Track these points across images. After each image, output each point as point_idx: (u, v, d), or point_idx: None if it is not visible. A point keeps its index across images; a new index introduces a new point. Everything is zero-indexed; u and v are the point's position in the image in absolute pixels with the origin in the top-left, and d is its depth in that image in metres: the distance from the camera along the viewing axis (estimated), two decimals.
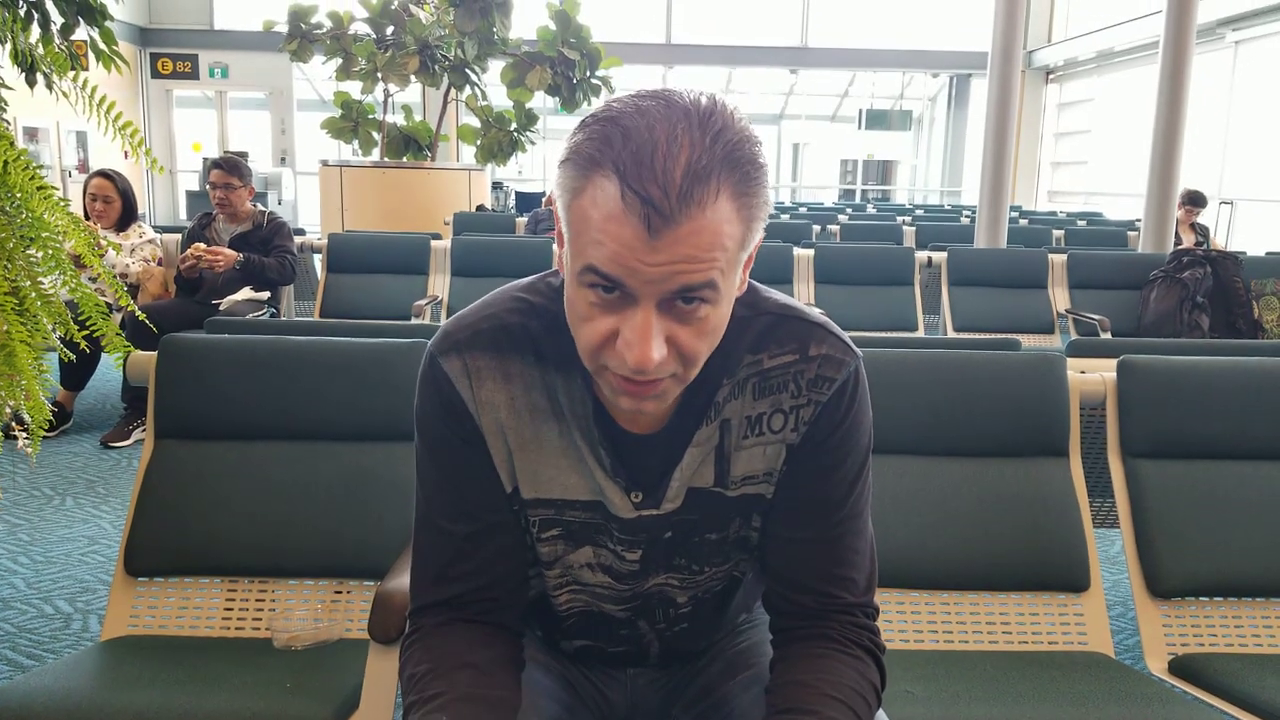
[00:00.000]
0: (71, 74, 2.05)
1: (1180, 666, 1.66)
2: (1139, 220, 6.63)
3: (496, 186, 10.74)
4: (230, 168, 4.36)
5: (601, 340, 0.83)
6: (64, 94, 2.13)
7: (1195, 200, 7.29)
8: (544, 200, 7.76)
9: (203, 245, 4.22)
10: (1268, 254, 5.46)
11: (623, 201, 0.77)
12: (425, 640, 0.98)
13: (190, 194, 13.34)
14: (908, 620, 1.73)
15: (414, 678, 0.96)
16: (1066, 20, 14.16)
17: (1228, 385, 1.85)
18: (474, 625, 0.99)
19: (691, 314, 0.82)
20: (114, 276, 1.90)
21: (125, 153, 1.95)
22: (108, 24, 2.99)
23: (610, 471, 0.97)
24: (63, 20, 2.91)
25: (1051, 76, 14.84)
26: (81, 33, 3.08)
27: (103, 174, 4.37)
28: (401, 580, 1.39)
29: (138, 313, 2.03)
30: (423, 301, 4.58)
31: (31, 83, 2.94)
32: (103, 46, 2.97)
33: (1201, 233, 7.56)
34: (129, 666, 1.53)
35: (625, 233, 0.77)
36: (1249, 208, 10.02)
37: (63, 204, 1.84)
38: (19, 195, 1.63)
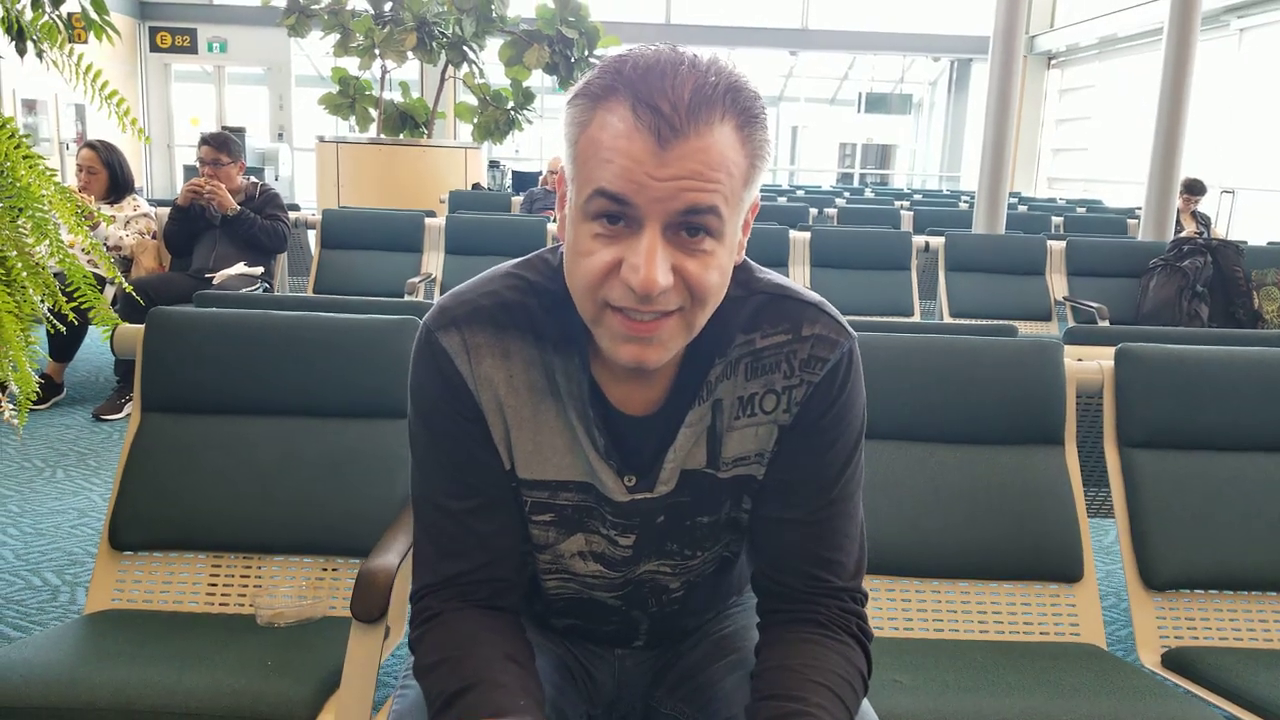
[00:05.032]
0: (60, 44, 2.02)
1: (1173, 660, 1.65)
2: (1139, 208, 6.61)
3: (493, 165, 10.68)
4: (219, 144, 4.31)
5: (604, 271, 0.82)
6: (54, 64, 2.09)
7: (1193, 189, 7.26)
8: (540, 180, 7.72)
9: (205, 179, 4.19)
10: (1269, 244, 5.44)
11: (634, 116, 0.79)
12: (445, 625, 0.95)
13: (188, 168, 13.26)
14: (898, 608, 1.71)
15: (443, 663, 0.92)
16: (1070, 5, 14.07)
17: (1226, 376, 1.83)
18: (486, 612, 0.97)
19: (696, 245, 0.82)
20: (104, 249, 1.87)
21: (124, 128, 1.92)
22: None
23: (603, 453, 0.95)
24: None
25: (1053, 62, 14.76)
26: (74, 3, 3.04)
27: (89, 144, 4.34)
28: (385, 558, 1.37)
29: (126, 286, 2.00)
30: (416, 279, 4.56)
31: (21, 51, 2.90)
32: (94, 16, 2.93)
33: (1203, 221, 7.54)
34: (110, 641, 1.52)
35: (635, 147, 0.79)
36: (1250, 197, 9.99)
37: (50, 174, 1.81)
38: (5, 163, 1.60)
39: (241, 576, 1.73)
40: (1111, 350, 1.85)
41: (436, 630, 0.95)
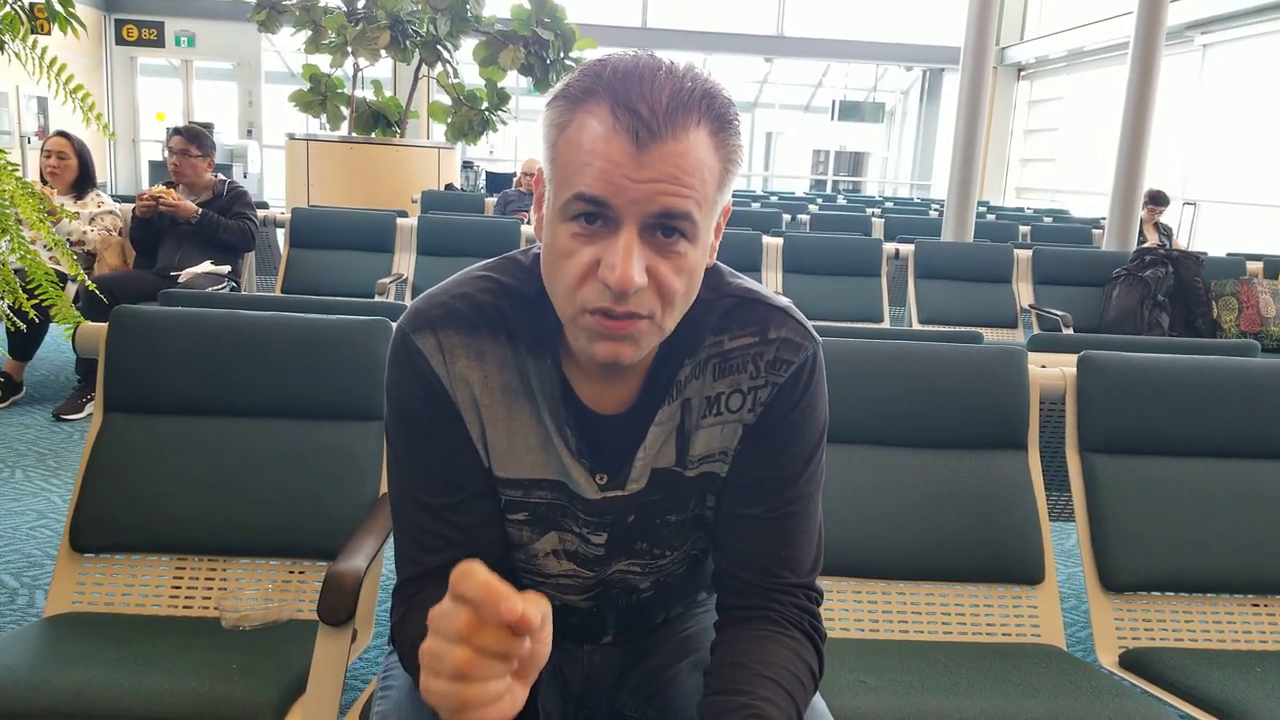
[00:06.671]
0: (23, 35, 1.99)
1: (1130, 660, 1.68)
2: (1104, 218, 6.71)
3: (467, 166, 10.64)
4: (191, 137, 4.28)
5: (583, 272, 0.84)
6: (16, 55, 2.06)
7: (1157, 199, 7.40)
8: (514, 181, 7.70)
9: (164, 188, 4.15)
10: (1228, 255, 5.54)
11: (613, 118, 0.81)
12: (428, 605, 0.95)
13: (153, 164, 13.08)
14: (863, 609, 1.73)
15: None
16: (1039, 18, 14.26)
17: (1185, 383, 1.86)
18: None
19: (670, 247, 0.84)
20: (67, 246, 1.85)
21: (88, 121, 1.89)
22: None
23: (575, 452, 0.97)
24: None
25: (1023, 73, 14.95)
26: None
27: (61, 133, 4.31)
28: (353, 561, 1.37)
29: (88, 283, 1.98)
30: (387, 279, 4.53)
31: None
32: (58, 7, 2.88)
33: (1165, 232, 7.67)
34: (70, 644, 1.49)
35: (614, 149, 0.81)
36: (1212, 209, 10.17)
37: (12, 168, 1.79)
38: None
39: (206, 579, 1.71)
40: (1074, 357, 1.88)
41: (418, 610, 0.94)
